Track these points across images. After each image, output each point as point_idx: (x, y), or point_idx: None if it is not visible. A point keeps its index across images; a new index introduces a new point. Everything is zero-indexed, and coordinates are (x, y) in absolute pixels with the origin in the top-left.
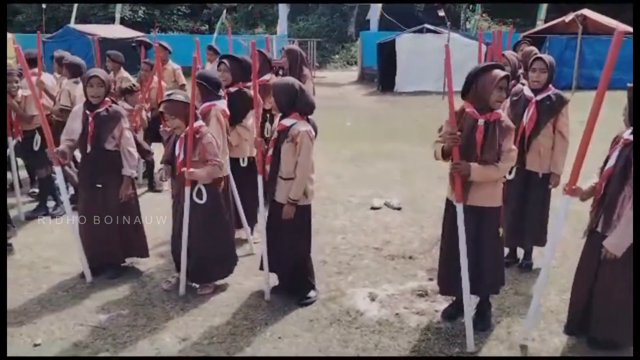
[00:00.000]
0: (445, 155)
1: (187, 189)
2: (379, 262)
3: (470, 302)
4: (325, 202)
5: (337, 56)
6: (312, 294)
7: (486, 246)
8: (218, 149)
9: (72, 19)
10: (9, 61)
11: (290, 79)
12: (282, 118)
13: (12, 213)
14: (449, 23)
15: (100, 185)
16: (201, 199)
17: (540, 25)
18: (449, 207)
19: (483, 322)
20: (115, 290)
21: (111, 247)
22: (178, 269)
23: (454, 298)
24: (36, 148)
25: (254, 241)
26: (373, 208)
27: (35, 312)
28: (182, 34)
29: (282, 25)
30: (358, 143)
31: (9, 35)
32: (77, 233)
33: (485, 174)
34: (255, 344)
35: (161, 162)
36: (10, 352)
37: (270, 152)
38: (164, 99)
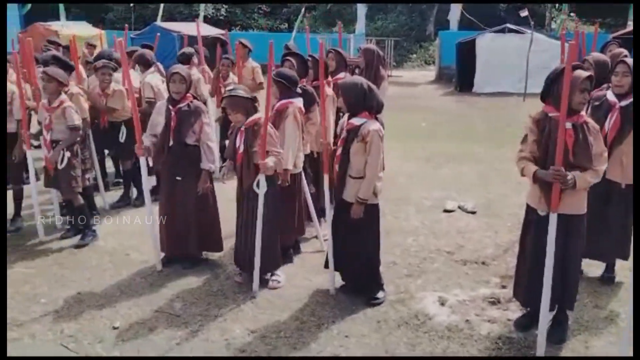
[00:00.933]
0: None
1: (262, 178)
2: (451, 267)
3: (547, 314)
4: (397, 203)
5: (414, 55)
6: (380, 294)
7: (572, 257)
8: (276, 141)
9: (159, 17)
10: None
11: (358, 79)
12: (350, 117)
13: (98, 202)
14: (532, 22)
15: (179, 178)
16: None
17: (631, 25)
18: (532, 215)
19: (559, 334)
20: (189, 280)
21: (188, 240)
22: (237, 264)
23: (528, 308)
24: (122, 140)
25: (324, 237)
26: (446, 211)
27: (115, 297)
28: (261, 32)
29: (360, 24)
30: (433, 143)
31: (100, 32)
32: (152, 223)
33: (587, 180)
34: (322, 340)
35: (224, 158)
36: (91, 333)
37: (339, 151)
38: (225, 94)
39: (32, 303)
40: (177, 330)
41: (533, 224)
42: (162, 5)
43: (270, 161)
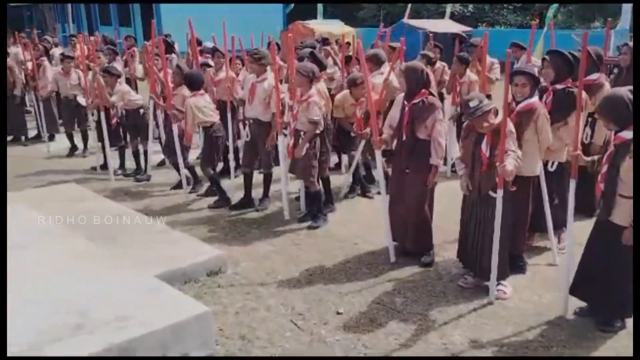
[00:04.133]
0: None
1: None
2: None
3: None
4: None
5: None
6: (618, 324)
7: None
8: (515, 140)
9: (406, 15)
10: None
11: (623, 89)
12: (619, 130)
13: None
14: None
15: (408, 171)
16: (495, 192)
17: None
18: None
19: None
20: (412, 276)
21: (407, 234)
22: (464, 265)
23: None
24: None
25: (559, 251)
26: None
27: (341, 283)
28: (510, 29)
29: (624, 19)
30: None
31: (352, 29)
32: (386, 213)
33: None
34: None
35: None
36: (318, 315)
37: (604, 168)
38: (470, 112)
39: (270, 278)
40: (396, 326)
41: None
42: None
43: (509, 164)
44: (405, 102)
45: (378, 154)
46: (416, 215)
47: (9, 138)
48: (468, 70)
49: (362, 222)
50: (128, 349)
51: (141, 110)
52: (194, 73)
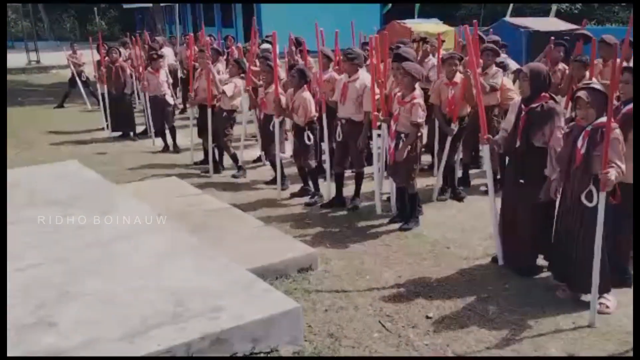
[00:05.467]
0: None
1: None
2: None
3: None
4: None
5: None
6: None
7: None
8: (622, 151)
9: (508, 13)
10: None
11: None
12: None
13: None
14: None
15: (522, 181)
16: (591, 201)
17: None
18: None
19: None
20: (507, 284)
21: (521, 245)
22: (558, 278)
23: None
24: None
25: None
26: None
27: (431, 287)
28: (622, 27)
29: None
30: None
31: (450, 28)
32: (495, 220)
33: None
34: None
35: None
36: (406, 318)
37: None
38: (582, 86)
39: (359, 277)
40: (488, 334)
41: None
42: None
43: (612, 175)
44: (523, 106)
45: (486, 151)
46: (531, 229)
47: (119, 134)
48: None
49: (454, 225)
50: (221, 339)
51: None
52: (305, 69)
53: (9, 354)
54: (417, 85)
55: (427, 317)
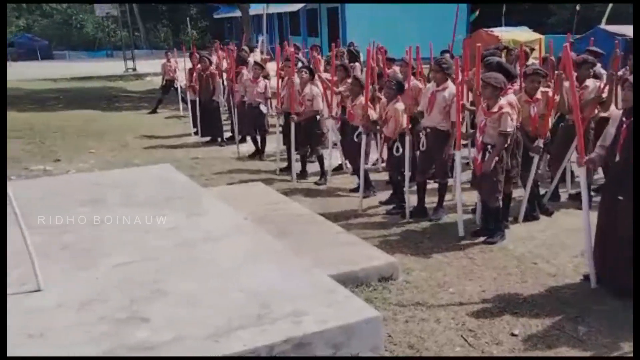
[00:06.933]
0: None
1: None
2: None
3: None
4: None
5: None
6: None
7: None
8: None
9: (604, 20)
10: None
11: None
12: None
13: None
14: None
15: (621, 198)
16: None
17: None
18: None
19: None
20: (599, 305)
21: (619, 264)
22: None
23: None
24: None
25: None
26: None
27: (517, 303)
28: None
29: None
30: None
31: (539, 36)
32: (589, 239)
33: None
34: None
35: None
36: (490, 334)
37: None
38: None
39: (441, 289)
40: (577, 356)
41: None
42: (609, 6)
43: None
44: (624, 119)
45: (582, 173)
46: (632, 248)
47: (208, 139)
48: None
49: (543, 241)
50: (303, 343)
51: (317, 116)
52: (399, 79)
53: (104, 346)
54: (510, 93)
55: (513, 335)
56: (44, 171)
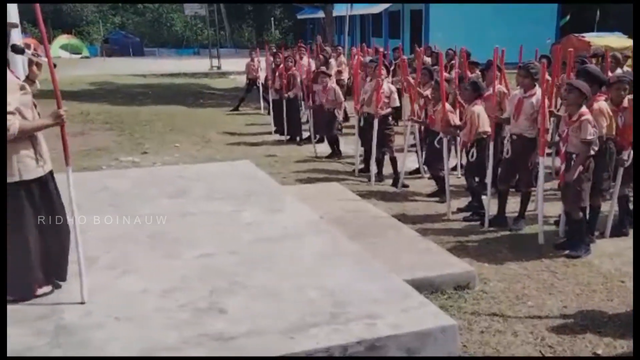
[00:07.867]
0: None
1: None
2: None
3: None
4: None
5: None
6: None
7: None
8: None
9: None
10: None
11: None
12: None
13: None
14: None
15: None
16: None
17: None
18: None
19: None
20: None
21: None
22: None
23: None
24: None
25: None
26: None
27: (601, 322)
28: None
29: None
30: None
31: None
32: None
33: None
34: None
35: None
36: (570, 350)
37: None
38: None
39: (519, 302)
40: None
41: None
42: None
43: None
44: None
45: None
46: None
47: (287, 138)
48: None
49: (632, 258)
50: (376, 345)
51: (389, 118)
52: (479, 82)
53: (186, 334)
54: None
55: (595, 354)
56: (132, 162)
